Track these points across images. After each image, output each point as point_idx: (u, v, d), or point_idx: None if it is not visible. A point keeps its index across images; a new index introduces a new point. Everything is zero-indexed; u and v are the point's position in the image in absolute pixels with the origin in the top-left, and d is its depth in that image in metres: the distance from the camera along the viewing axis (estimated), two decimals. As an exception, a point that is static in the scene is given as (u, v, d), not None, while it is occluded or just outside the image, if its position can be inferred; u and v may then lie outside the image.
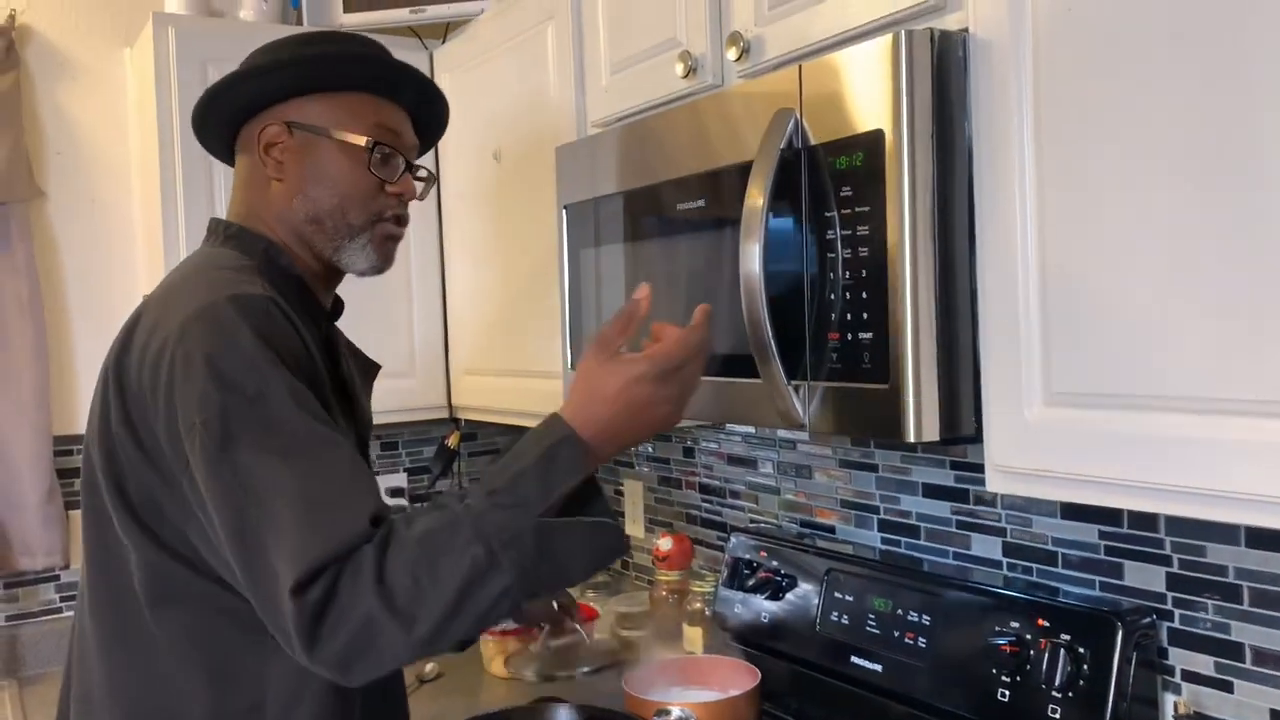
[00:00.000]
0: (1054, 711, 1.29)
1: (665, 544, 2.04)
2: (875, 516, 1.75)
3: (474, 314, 2.18)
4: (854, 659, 1.59)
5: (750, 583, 1.80)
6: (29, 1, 2.20)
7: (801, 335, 1.21)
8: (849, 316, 1.15)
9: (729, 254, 1.30)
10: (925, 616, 1.50)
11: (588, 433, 1.05)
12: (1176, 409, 0.93)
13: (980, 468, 1.53)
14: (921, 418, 1.09)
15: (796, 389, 1.21)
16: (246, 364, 1.03)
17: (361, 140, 1.22)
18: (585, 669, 1.94)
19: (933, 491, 1.64)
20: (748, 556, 1.84)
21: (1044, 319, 1.03)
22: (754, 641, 1.79)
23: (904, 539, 1.69)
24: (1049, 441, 1.03)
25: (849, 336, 1.15)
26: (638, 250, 1.52)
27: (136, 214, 2.29)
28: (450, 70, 2.20)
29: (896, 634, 1.53)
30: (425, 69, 2.27)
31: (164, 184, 2.03)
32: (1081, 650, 1.28)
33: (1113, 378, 0.98)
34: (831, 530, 1.83)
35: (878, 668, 1.55)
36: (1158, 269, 0.93)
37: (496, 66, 2.01)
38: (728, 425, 2.05)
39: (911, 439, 1.09)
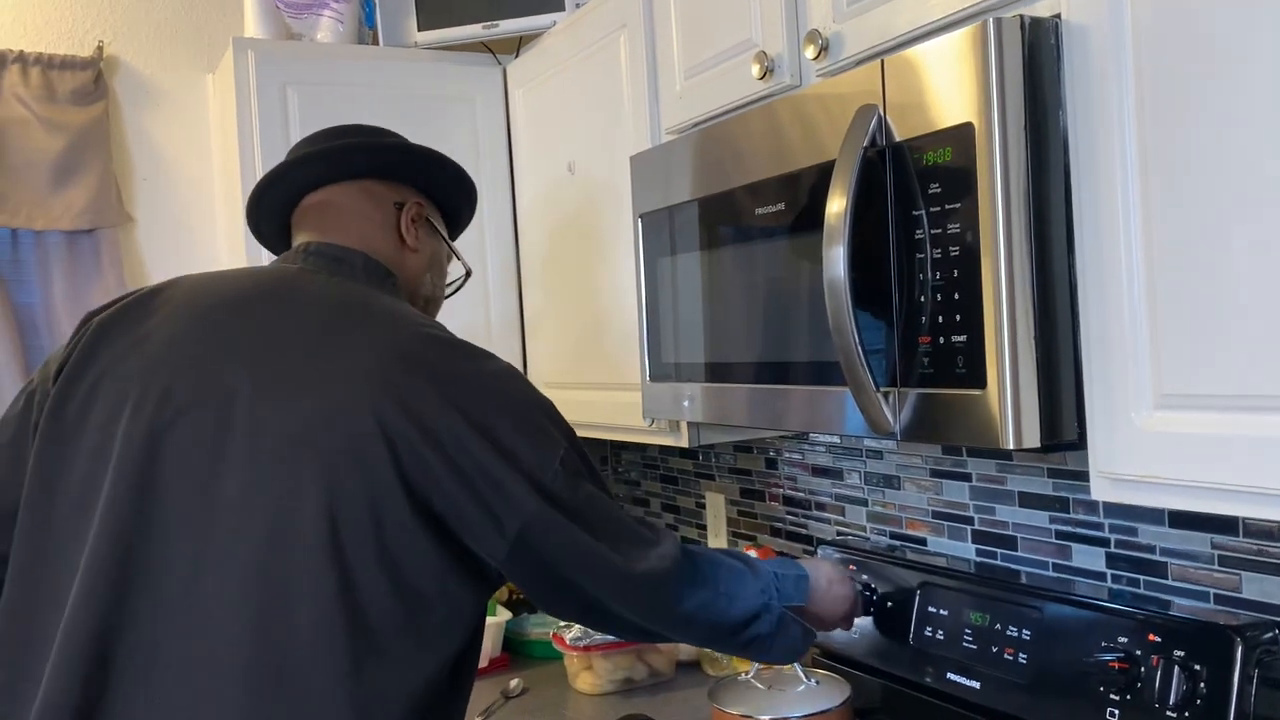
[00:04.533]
0: (1169, 732, 1.22)
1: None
2: (969, 528, 1.68)
3: (551, 327, 2.17)
4: (950, 675, 1.53)
5: (839, 597, 1.75)
6: (115, 33, 2.26)
7: (890, 340, 1.16)
8: (940, 319, 1.10)
9: (811, 259, 1.26)
10: (1025, 631, 1.44)
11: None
12: (1299, 409, 0.87)
13: (1081, 475, 1.47)
14: (1021, 423, 1.04)
15: (886, 396, 1.17)
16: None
17: (463, 269, 1.49)
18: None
19: (1030, 501, 1.57)
20: (836, 570, 1.79)
21: (1151, 316, 0.98)
22: (844, 657, 1.74)
23: (1000, 550, 1.63)
24: (1159, 446, 0.98)
25: (940, 340, 1.11)
26: (715, 258, 1.49)
27: (221, 236, 2.34)
28: (523, 85, 2.20)
29: (995, 649, 1.47)
30: (498, 85, 2.27)
31: (246, 206, 2.06)
32: (1198, 667, 1.21)
33: (1228, 378, 0.92)
34: (923, 542, 1.77)
35: (975, 684, 1.49)
36: (1277, 261, 0.87)
37: (569, 78, 2.00)
38: (812, 435, 2.01)
39: (1010, 446, 1.04)
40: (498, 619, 2.22)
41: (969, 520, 1.68)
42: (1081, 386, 1.06)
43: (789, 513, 2.10)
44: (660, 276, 1.64)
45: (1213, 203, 0.92)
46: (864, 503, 1.90)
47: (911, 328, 1.14)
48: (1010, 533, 1.61)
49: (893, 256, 1.16)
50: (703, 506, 2.38)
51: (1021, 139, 1.04)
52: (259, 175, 2.04)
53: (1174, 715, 1.22)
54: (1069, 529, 1.52)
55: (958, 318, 1.08)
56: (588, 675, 2.02)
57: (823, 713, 1.55)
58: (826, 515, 1.99)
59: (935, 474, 1.74)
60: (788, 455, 2.09)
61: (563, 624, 2.13)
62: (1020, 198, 1.04)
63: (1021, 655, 1.43)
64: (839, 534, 1.96)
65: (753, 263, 1.41)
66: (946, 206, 1.09)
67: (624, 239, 1.80)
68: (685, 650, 2.11)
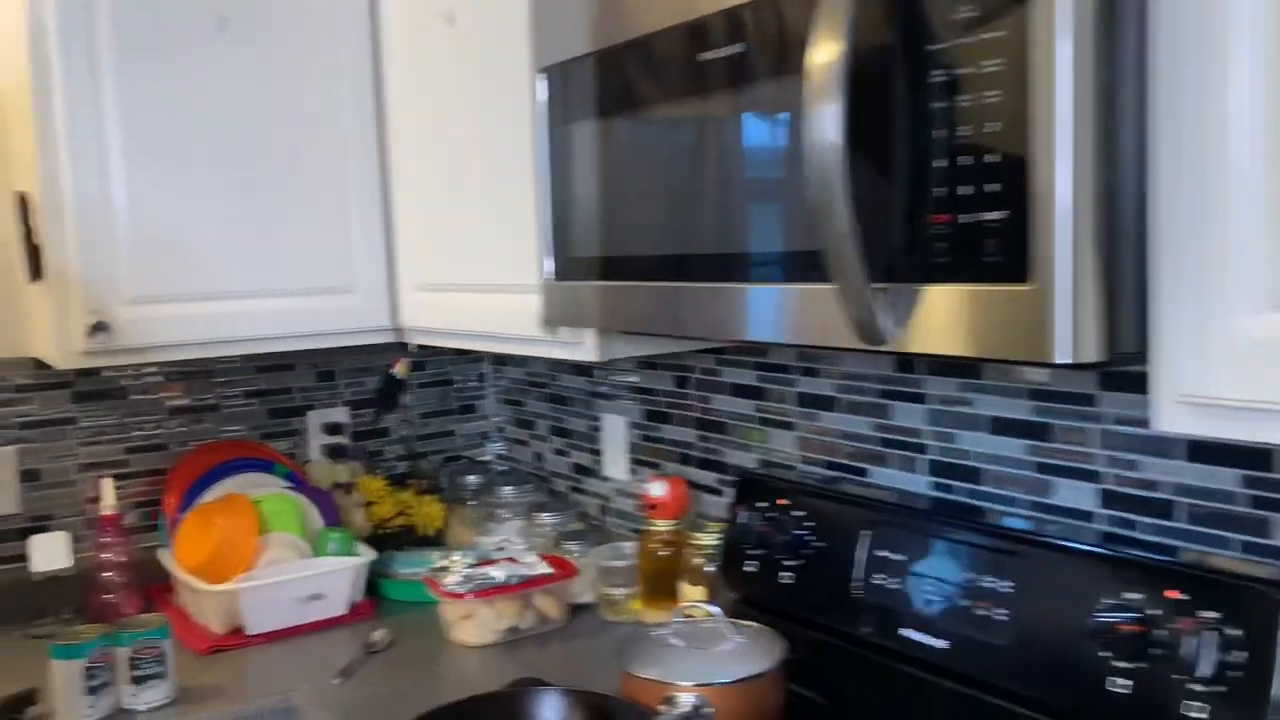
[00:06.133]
0: (1198, 710, 1.00)
1: (657, 489, 1.73)
2: (923, 457, 1.44)
3: (424, 218, 1.81)
4: (903, 632, 1.30)
5: (764, 536, 1.50)
6: None
7: (888, 220, 0.88)
8: (966, 191, 0.82)
9: (780, 119, 0.96)
10: (1007, 582, 1.20)
11: None
12: None
13: (1074, 398, 1.24)
14: (1080, 329, 0.77)
15: (883, 293, 0.89)
16: None
17: None
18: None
19: (1003, 427, 1.33)
20: (762, 504, 1.53)
21: (1271, 179, 0.72)
22: (772, 606, 1.49)
23: (958, 483, 1.39)
24: (1269, 361, 0.72)
25: (963, 219, 0.83)
26: (643, 123, 1.17)
27: (9, 104, 1.88)
28: (392, -81, 1.81)
29: (967, 603, 1.24)
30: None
31: (36, 65, 1.63)
32: (1234, 632, 0.99)
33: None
34: (862, 473, 1.53)
35: (944, 644, 1.26)
36: None
37: (450, -93, 1.63)
38: (730, 352, 1.73)
39: (1069, 359, 0.77)
40: (360, 558, 1.89)
41: (922, 449, 1.44)
42: (1145, 280, 0.80)
43: (701, 438, 1.83)
44: (569, 148, 1.32)
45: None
46: (790, 427, 1.64)
47: (920, 202, 0.86)
48: (972, 463, 1.37)
49: (898, 109, 0.87)
50: (597, 430, 2.09)
51: (1099, -65, 0.76)
52: (50, 20, 1.63)
53: (1202, 689, 1.00)
54: (1049, 460, 1.28)
55: (990, 187, 0.81)
56: (467, 625, 1.73)
57: (754, 678, 1.30)
58: (748, 442, 1.73)
59: (885, 395, 1.49)
60: (700, 373, 1.81)
61: (437, 565, 1.83)
62: (1088, 8, 0.76)
63: (1000, 611, 1.20)
64: (761, 463, 1.70)
65: (698, 129, 1.10)
66: (982, 35, 0.80)
67: (519, 104, 1.46)
68: (581, 592, 1.84)
